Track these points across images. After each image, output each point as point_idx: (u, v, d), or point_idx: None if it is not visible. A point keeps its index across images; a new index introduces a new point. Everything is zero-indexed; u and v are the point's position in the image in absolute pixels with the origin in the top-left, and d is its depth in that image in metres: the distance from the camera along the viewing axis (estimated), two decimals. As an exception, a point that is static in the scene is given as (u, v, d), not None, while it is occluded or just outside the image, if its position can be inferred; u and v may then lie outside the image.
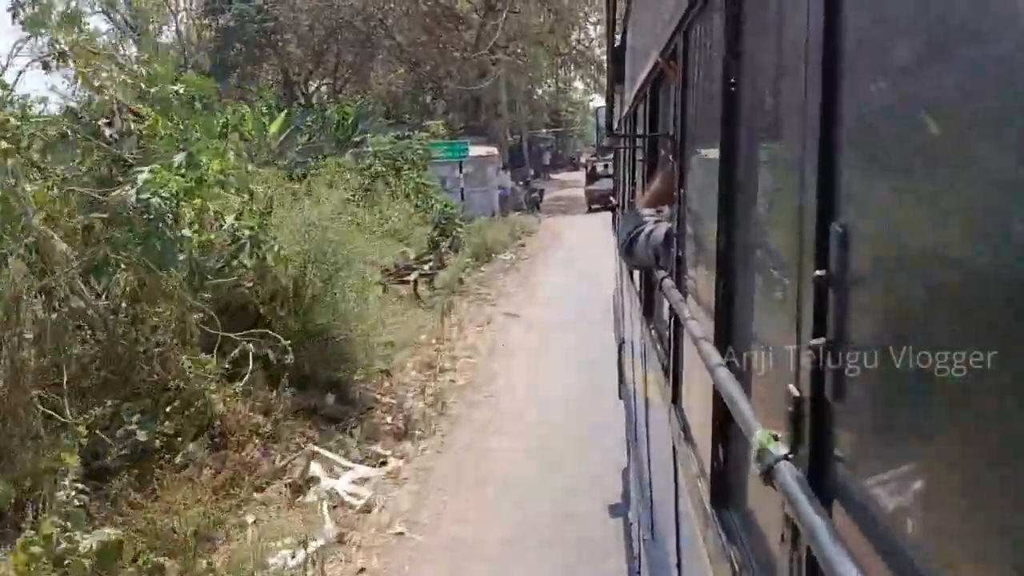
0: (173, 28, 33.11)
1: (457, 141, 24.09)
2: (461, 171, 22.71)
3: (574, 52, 34.59)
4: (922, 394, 0.81)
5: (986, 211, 0.69)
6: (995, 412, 0.68)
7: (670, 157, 2.67)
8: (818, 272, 1.00)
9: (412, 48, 29.41)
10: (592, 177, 30.72)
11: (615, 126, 5.53)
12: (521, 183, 28.55)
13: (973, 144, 0.70)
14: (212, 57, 26.97)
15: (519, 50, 31.21)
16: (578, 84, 47.85)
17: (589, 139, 71.11)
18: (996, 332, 0.67)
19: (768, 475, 1.06)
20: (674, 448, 2.15)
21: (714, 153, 1.65)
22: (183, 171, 5.79)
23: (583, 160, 46.97)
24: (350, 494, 6.01)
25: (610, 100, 5.12)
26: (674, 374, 2.23)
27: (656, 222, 2.62)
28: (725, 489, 1.56)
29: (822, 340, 1.00)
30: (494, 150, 24.99)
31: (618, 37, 4.91)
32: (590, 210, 29.73)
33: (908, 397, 0.85)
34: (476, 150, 24.50)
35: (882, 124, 0.91)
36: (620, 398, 6.36)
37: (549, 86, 50.03)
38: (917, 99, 0.82)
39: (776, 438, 1.08)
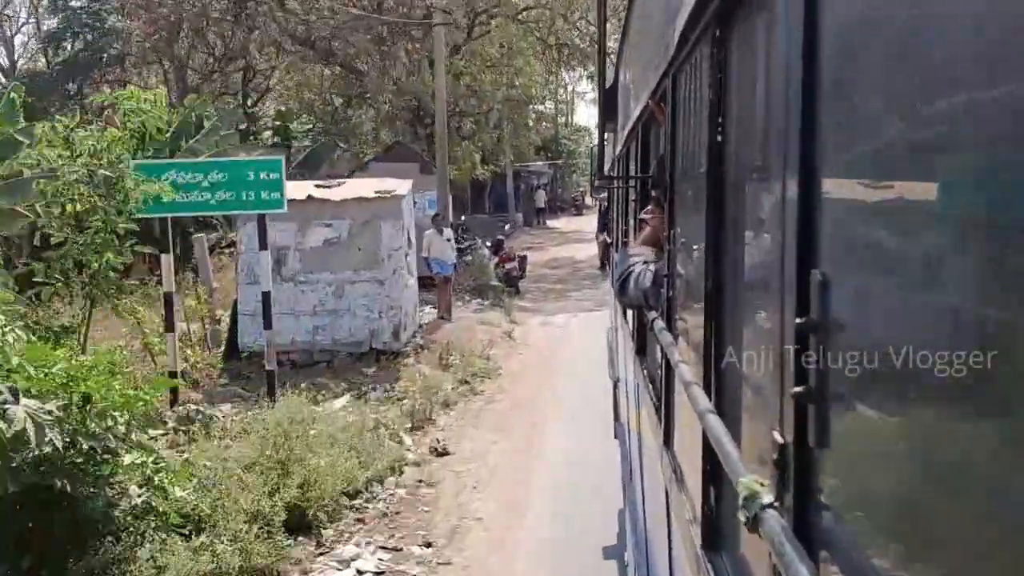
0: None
1: (259, 159, 10.94)
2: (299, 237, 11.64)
3: (569, 44, 27.90)
4: (903, 442, 0.87)
5: (964, 261, 0.75)
6: (981, 461, 0.71)
7: (662, 198, 2.77)
8: (798, 319, 1.07)
9: (343, 51, 25.59)
10: (604, 222, 28.46)
11: (607, 166, 5.62)
12: (489, 245, 22.99)
13: (952, 194, 0.75)
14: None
15: (492, 27, 24.92)
16: (580, 109, 41.18)
17: (590, 174, 64.20)
18: (979, 381, 0.71)
19: (754, 523, 1.11)
20: (666, 491, 2.24)
21: (702, 195, 1.76)
22: None
23: (590, 201, 42.00)
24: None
25: (601, 141, 5.35)
26: (666, 416, 2.32)
27: (646, 263, 2.78)
28: (716, 534, 1.62)
29: (803, 387, 1.06)
30: (403, 188, 12.64)
31: (610, 78, 4.94)
32: (603, 265, 28.00)
33: (890, 445, 0.90)
34: (360, 185, 12.68)
35: (861, 171, 0.98)
36: (615, 437, 6.59)
37: (542, 98, 41.83)
38: (895, 147, 0.89)
39: (762, 485, 1.13)
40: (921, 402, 0.82)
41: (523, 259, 22.24)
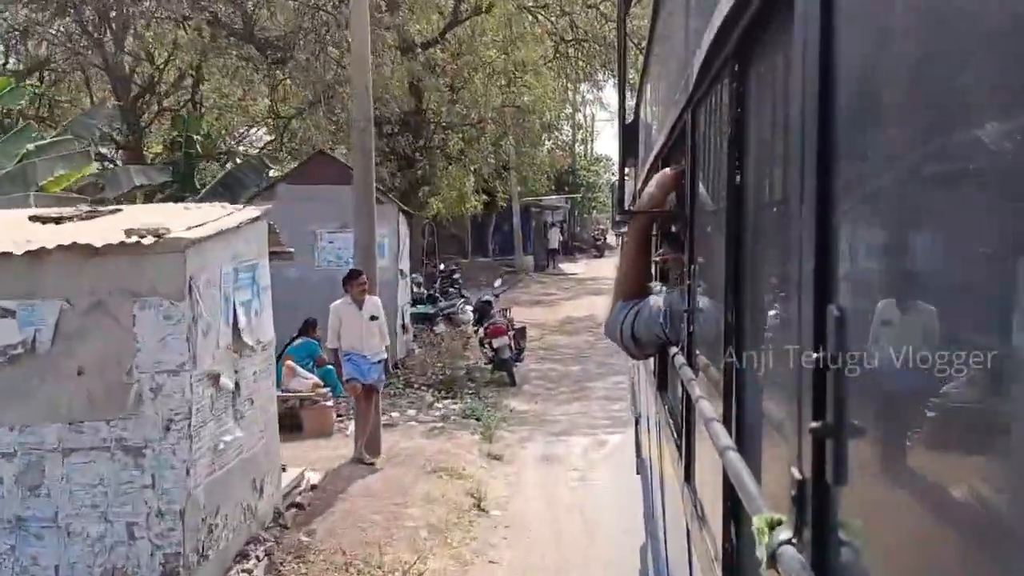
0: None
1: None
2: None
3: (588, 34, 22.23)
4: (923, 477, 0.87)
5: (982, 294, 0.76)
6: (1003, 500, 0.72)
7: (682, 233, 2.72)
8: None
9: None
10: None
11: (627, 203, 5.20)
12: (472, 308, 17.86)
13: (972, 229, 0.77)
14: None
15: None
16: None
17: (609, 212, 55.45)
18: (1001, 418, 0.73)
19: (772, 560, 1.11)
20: (687, 528, 2.26)
21: (721, 230, 1.80)
22: None
23: (613, 240, 37.73)
24: None
25: (622, 176, 5.10)
26: (687, 452, 2.35)
27: (641, 304, 2.80)
28: (738, 571, 1.61)
29: (820, 423, 1.06)
30: (231, 219, 6.17)
31: (630, 115, 5.22)
32: None
33: (909, 480, 0.91)
34: (127, 217, 6.35)
35: (880, 205, 1.00)
36: (637, 473, 6.79)
37: (556, 118, 34.75)
38: (914, 181, 0.91)
39: (780, 522, 1.14)
40: (940, 437, 0.84)
41: (520, 332, 15.91)
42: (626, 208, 5.12)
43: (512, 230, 33.60)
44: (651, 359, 4.09)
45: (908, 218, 0.93)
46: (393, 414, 11.38)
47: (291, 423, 10.09)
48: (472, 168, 20.36)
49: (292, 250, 7.97)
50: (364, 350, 9.01)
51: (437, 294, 18.09)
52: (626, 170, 5.77)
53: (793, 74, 1.28)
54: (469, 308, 16.15)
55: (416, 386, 12.61)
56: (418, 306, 16.77)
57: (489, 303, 15.82)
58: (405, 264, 13.86)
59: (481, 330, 14.95)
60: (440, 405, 12.36)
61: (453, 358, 13.63)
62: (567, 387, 14.31)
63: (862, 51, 1.05)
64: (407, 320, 14.22)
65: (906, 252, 0.94)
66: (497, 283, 17.59)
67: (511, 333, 14.22)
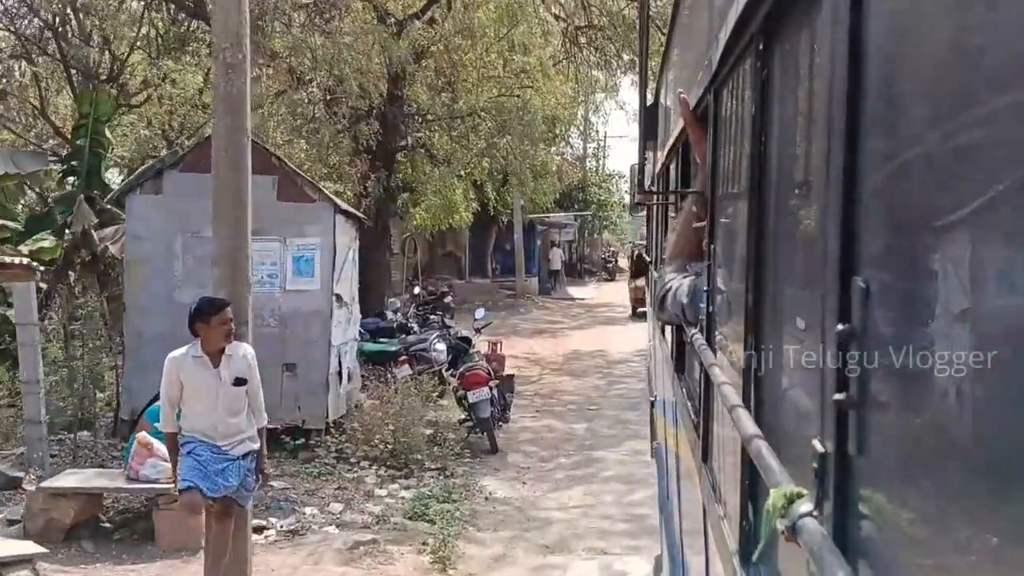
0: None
1: None
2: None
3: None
4: (946, 449, 0.91)
5: (1007, 268, 0.81)
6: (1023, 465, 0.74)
7: (692, 209, 2.95)
8: (840, 326, 1.11)
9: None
10: (640, 268, 23.38)
11: (647, 183, 5.94)
12: (442, 347, 14.07)
13: (997, 202, 0.81)
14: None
15: None
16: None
17: (621, 232, 51.81)
18: (1022, 387, 0.74)
19: (792, 531, 1.13)
20: (704, 506, 2.35)
21: (743, 209, 1.87)
22: None
23: (626, 263, 35.80)
24: None
25: (642, 157, 5.53)
26: (704, 431, 2.42)
27: (683, 278, 2.81)
28: (755, 547, 1.61)
29: (844, 395, 1.10)
30: None
31: (650, 96, 5.45)
32: (634, 313, 24.54)
33: (932, 452, 0.94)
34: None
35: (905, 179, 1.04)
36: (652, 457, 7.06)
37: (565, 126, 31.49)
38: (939, 155, 0.95)
39: (800, 495, 1.17)
40: (964, 409, 0.86)
41: (507, 381, 11.85)
42: (647, 188, 5.84)
43: (513, 248, 28.53)
44: (668, 341, 4.21)
45: (937, 191, 0.95)
46: (307, 510, 7.04)
47: (143, 530, 7.57)
48: (462, 172, 15.99)
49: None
50: (218, 437, 5.78)
51: (411, 323, 13.74)
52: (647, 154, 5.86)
53: (820, 51, 1.34)
54: (441, 346, 11.74)
55: (353, 460, 8.34)
56: (379, 341, 12.37)
57: (467, 341, 11.44)
58: (348, 287, 9.62)
59: (456, 377, 11.92)
60: (384, 492, 8.20)
61: (415, 415, 9.33)
62: (568, 458, 11.16)
63: (891, 24, 1.09)
64: (350, 364, 11.25)
65: (934, 226, 0.94)
66: (479, 313, 13.39)
67: (493, 384, 11.38)
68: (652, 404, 6.93)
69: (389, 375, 12.15)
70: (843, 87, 1.13)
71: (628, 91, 32.88)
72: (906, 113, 1.03)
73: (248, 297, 5.78)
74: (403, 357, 12.66)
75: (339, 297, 10.08)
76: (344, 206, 10.78)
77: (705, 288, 2.45)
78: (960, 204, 0.86)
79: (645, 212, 9.74)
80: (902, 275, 1.03)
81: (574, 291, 35.09)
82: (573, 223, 39.11)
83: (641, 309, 23.05)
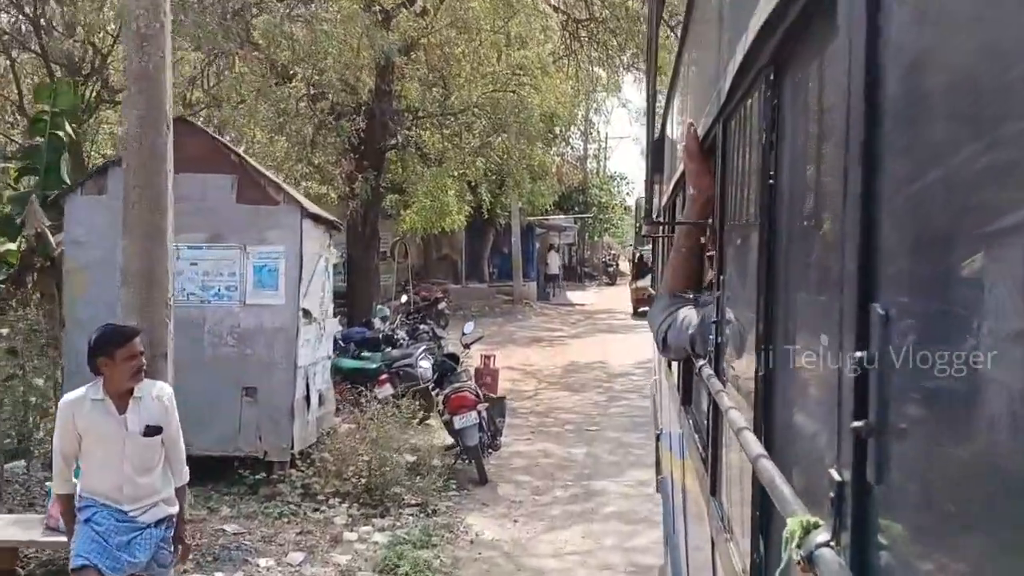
0: None
1: None
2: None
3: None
4: (968, 478, 0.91)
5: None
6: None
7: (683, 246, 3.13)
8: (858, 353, 1.13)
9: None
10: (640, 271, 25.39)
11: (655, 215, 5.95)
12: (428, 363, 12.48)
13: (1016, 227, 0.82)
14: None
15: None
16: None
17: (622, 235, 50.89)
18: None
19: (809, 562, 1.14)
20: (713, 541, 2.33)
21: (753, 240, 1.90)
22: None
23: (627, 267, 36.33)
24: None
25: (649, 189, 5.61)
26: (713, 465, 2.42)
27: (680, 308, 2.88)
28: None
29: (863, 422, 1.11)
30: None
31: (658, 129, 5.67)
32: (636, 313, 25.40)
33: (954, 481, 0.95)
34: None
35: (924, 205, 1.06)
36: (657, 491, 7.08)
37: (566, 126, 30.74)
38: (958, 182, 0.96)
39: (817, 525, 1.18)
40: (985, 437, 0.86)
41: (497, 404, 10.70)
42: (654, 219, 5.78)
43: (511, 252, 27.68)
44: (674, 374, 4.27)
45: (955, 217, 0.96)
46: (261, 562, 5.85)
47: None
48: (455, 172, 14.79)
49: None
50: (124, 501, 4.65)
51: (398, 333, 12.58)
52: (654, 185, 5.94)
53: (833, 81, 1.36)
54: (426, 363, 10.55)
55: (322, 498, 7.07)
56: (361, 356, 11.22)
57: (454, 359, 10.20)
58: (319, 301, 8.45)
59: (441, 399, 10.50)
60: (354, 535, 8.13)
61: (394, 443, 8.09)
62: (565, 490, 10.09)
63: (905, 58, 1.11)
64: (322, 386, 10.10)
65: (953, 251, 0.96)
66: (468, 328, 12.15)
67: (482, 408, 10.23)
68: (658, 438, 6.89)
69: (369, 395, 10.95)
70: (858, 117, 1.15)
71: (631, 88, 31.92)
72: (920, 141, 1.04)
73: (168, 323, 4.69)
74: (384, 375, 11.44)
75: (307, 312, 8.93)
76: (314, 209, 9.62)
77: (714, 319, 2.49)
78: (979, 230, 0.88)
79: (651, 245, 9.87)
80: (921, 301, 1.05)
81: (574, 296, 34.50)
82: (573, 226, 38.45)
83: (642, 309, 24.50)
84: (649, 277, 25.68)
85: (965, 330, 0.89)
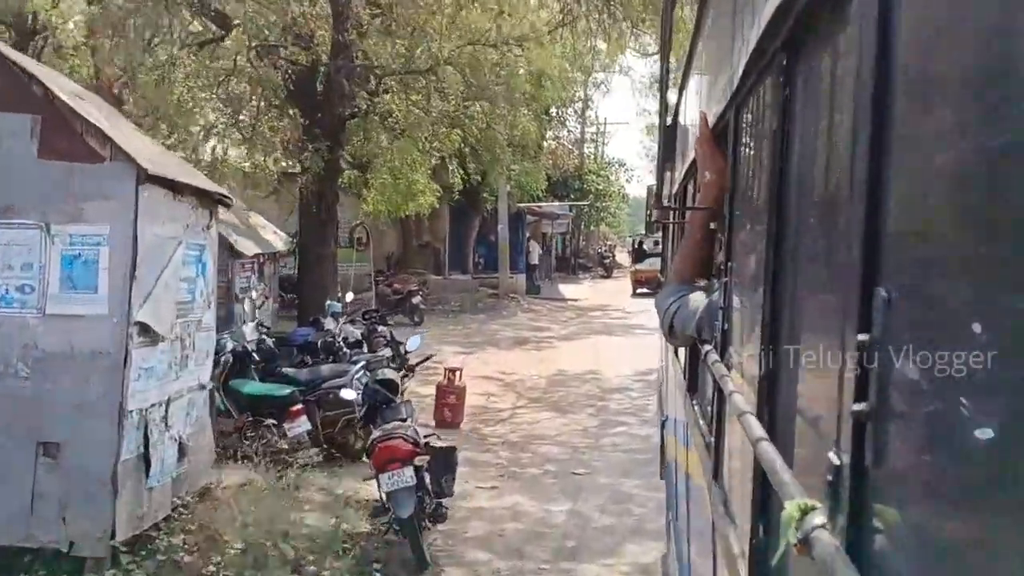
0: None
1: None
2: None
3: None
4: (967, 463, 0.93)
5: None
6: None
7: (696, 234, 3.17)
8: (860, 336, 1.14)
9: None
10: (639, 256, 28.23)
11: (665, 201, 6.00)
12: (366, 391, 8.46)
13: (1019, 212, 0.88)
14: None
15: None
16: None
17: (619, 225, 48.12)
18: None
19: (805, 544, 1.14)
20: (714, 525, 2.35)
21: (761, 227, 1.94)
22: None
23: (625, 258, 36.88)
24: None
25: (660, 175, 5.37)
26: (716, 449, 2.43)
27: (687, 294, 2.91)
28: (765, 566, 1.66)
29: (864, 405, 1.12)
30: None
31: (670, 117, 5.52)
32: (635, 293, 26.90)
33: (952, 465, 0.97)
34: None
35: (929, 189, 1.08)
36: (661, 478, 7.10)
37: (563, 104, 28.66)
38: (963, 166, 0.98)
39: (813, 508, 1.18)
40: (984, 422, 0.85)
41: (444, 456, 7.26)
42: (664, 204, 5.72)
43: (496, 240, 24.82)
44: (680, 360, 4.35)
45: (960, 207, 0.98)
46: None
47: None
48: (424, 145, 11.70)
49: None
50: None
51: (338, 341, 9.42)
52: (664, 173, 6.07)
53: (845, 68, 1.37)
54: (350, 392, 7.20)
55: None
56: (277, 373, 7.84)
57: (389, 386, 6.75)
58: (170, 308, 5.18)
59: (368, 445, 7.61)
60: None
61: (291, 511, 4.93)
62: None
63: (917, 44, 1.13)
64: (182, 433, 7.00)
65: (958, 236, 0.98)
66: (412, 342, 9.00)
67: (421, 462, 6.98)
68: (663, 424, 7.13)
69: (276, 433, 7.84)
70: (868, 103, 1.18)
71: (632, 59, 29.10)
72: (931, 128, 1.07)
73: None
74: (297, 406, 8.27)
75: (145, 328, 5.76)
76: (166, 170, 6.37)
77: (721, 305, 2.58)
78: (984, 216, 0.91)
79: (660, 231, 9.97)
80: (924, 285, 1.06)
81: (566, 289, 32.83)
82: (568, 214, 35.14)
83: (641, 290, 26.83)
84: (647, 261, 25.65)
85: (968, 316, 0.90)
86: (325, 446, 9.18)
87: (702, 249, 3.12)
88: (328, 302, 14.95)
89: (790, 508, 1.14)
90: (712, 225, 3.04)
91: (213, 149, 13.90)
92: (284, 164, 15.29)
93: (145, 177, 5.92)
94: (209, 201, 7.48)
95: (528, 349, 19.42)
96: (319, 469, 9.19)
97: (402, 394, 9.23)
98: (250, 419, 8.81)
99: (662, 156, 5.61)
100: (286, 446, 8.45)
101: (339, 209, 17.34)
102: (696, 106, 4.04)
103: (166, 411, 6.58)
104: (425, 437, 7.95)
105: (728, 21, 2.60)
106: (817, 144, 1.62)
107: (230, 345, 10.66)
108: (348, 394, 9.07)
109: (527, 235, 32.17)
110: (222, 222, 15.16)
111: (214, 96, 13.56)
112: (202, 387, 7.50)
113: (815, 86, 1.65)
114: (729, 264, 2.46)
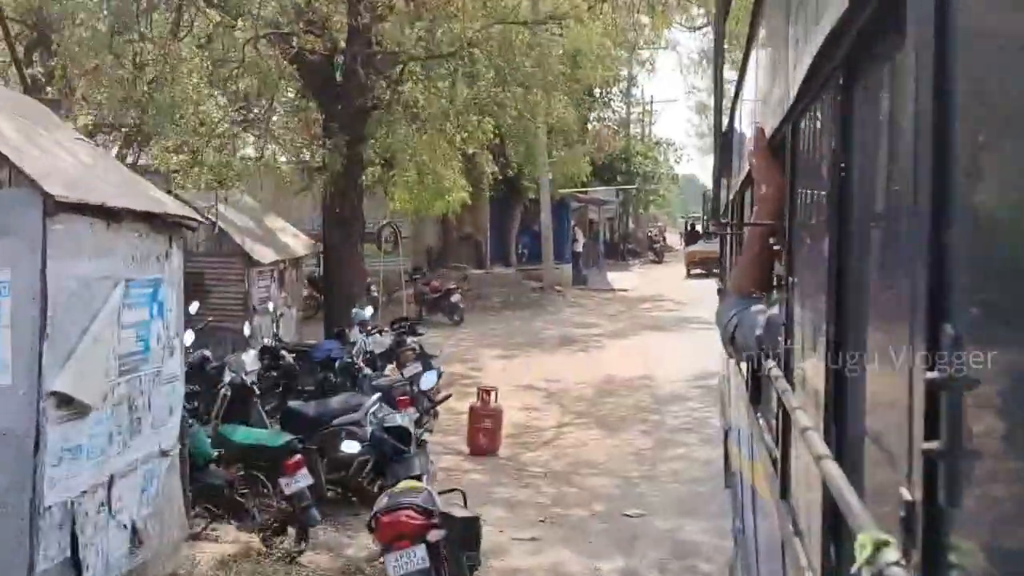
0: None
1: None
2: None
3: None
4: None
5: None
6: None
7: (755, 247, 3.20)
8: (929, 375, 1.12)
9: None
10: (692, 237, 27.06)
11: (721, 211, 5.83)
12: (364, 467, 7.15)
13: None
14: None
15: None
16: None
17: (670, 206, 46.45)
18: None
19: None
20: (783, 545, 2.36)
21: (823, 242, 1.92)
22: None
23: (676, 240, 36.76)
24: None
25: (716, 186, 5.16)
26: (783, 467, 2.41)
27: (748, 308, 2.91)
28: None
29: (935, 444, 1.10)
30: None
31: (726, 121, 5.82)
32: (689, 274, 27.85)
33: None
34: None
35: (997, 220, 1.07)
36: (727, 487, 7.10)
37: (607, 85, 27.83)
38: None
39: (887, 543, 1.17)
40: None
41: (462, 527, 5.35)
42: (721, 220, 5.68)
43: (540, 230, 23.54)
44: (743, 369, 4.34)
45: None
46: None
47: None
48: (452, 137, 10.38)
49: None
50: None
51: (357, 360, 8.05)
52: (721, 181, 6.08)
53: (903, 87, 1.37)
54: (353, 446, 5.71)
55: None
56: (290, 411, 6.79)
57: (399, 434, 5.27)
58: (100, 368, 4.70)
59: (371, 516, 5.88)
60: None
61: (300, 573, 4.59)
62: None
63: (978, 60, 1.12)
64: (134, 518, 5.53)
65: None
66: (427, 380, 7.43)
67: (437, 538, 5.36)
68: (726, 433, 7.15)
69: (272, 491, 6.57)
70: (929, 114, 1.16)
71: (679, 33, 27.42)
72: (991, 149, 1.07)
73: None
74: (295, 457, 6.93)
75: (66, 399, 4.43)
76: (86, 197, 5.15)
77: (783, 321, 2.65)
78: None
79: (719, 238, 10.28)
80: (995, 322, 1.04)
81: (615, 278, 31.71)
82: (615, 199, 33.36)
83: (695, 271, 27.79)
84: (701, 243, 25.12)
85: None
86: (332, 493, 7.90)
87: (762, 262, 3.14)
88: (355, 310, 13.77)
89: (863, 540, 1.14)
90: (772, 240, 3.04)
91: (219, 148, 12.14)
92: (309, 159, 14.15)
93: (55, 205, 4.64)
94: (165, 225, 6.12)
95: (574, 350, 18.22)
96: (326, 522, 7.96)
97: (418, 441, 7.79)
98: (241, 473, 7.25)
99: (718, 165, 5.27)
100: (284, 505, 7.26)
101: (369, 207, 16.08)
102: (752, 113, 4.08)
103: (108, 494, 5.26)
104: (442, 493, 6.55)
105: (782, 35, 2.61)
106: (876, 163, 1.63)
107: (227, 377, 9.55)
108: (351, 447, 7.72)
109: (572, 223, 31.29)
110: (235, 227, 13.96)
111: (220, 93, 12.48)
112: (164, 454, 6.09)
113: (874, 105, 1.64)
114: (791, 279, 2.51)
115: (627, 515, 8.62)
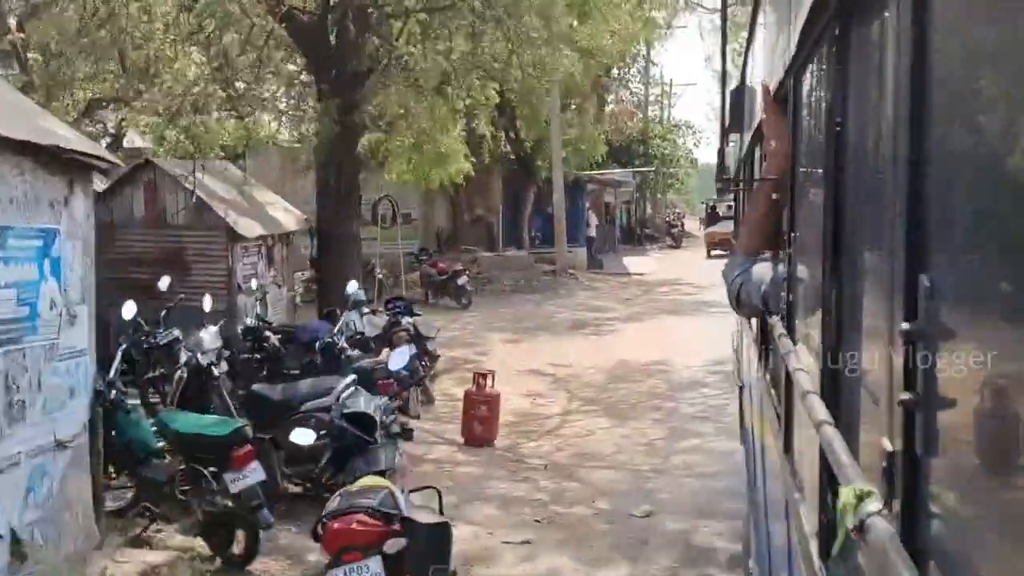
0: None
1: None
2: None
3: None
4: (1016, 448, 0.96)
5: None
6: None
7: (760, 206, 3.22)
8: (905, 325, 1.15)
9: None
10: (713, 219, 28.42)
11: (728, 170, 6.05)
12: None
13: None
14: None
15: None
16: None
17: (688, 191, 45.23)
18: None
19: (860, 530, 1.19)
20: (786, 499, 2.44)
21: (821, 197, 1.98)
22: None
23: (696, 226, 36.21)
24: None
25: (723, 144, 5.31)
26: (786, 423, 2.49)
27: (753, 265, 2.92)
28: (833, 542, 1.87)
29: (911, 394, 1.15)
30: None
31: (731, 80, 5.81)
32: (710, 255, 27.29)
33: (1002, 451, 1.00)
34: None
35: (976, 174, 1.09)
36: (741, 443, 7.11)
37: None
38: (1014, 149, 0.96)
39: (869, 493, 1.23)
40: None
41: (428, 534, 4.32)
42: (727, 177, 5.63)
43: (553, 211, 22.60)
44: (753, 327, 4.43)
45: (1009, 187, 0.97)
46: None
47: None
48: (455, 101, 9.30)
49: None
50: None
51: (340, 343, 6.93)
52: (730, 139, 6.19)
53: (897, 38, 1.37)
54: (306, 435, 4.56)
55: None
56: (254, 396, 5.84)
57: (364, 423, 4.13)
58: None
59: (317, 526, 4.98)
60: None
61: None
62: None
63: (965, 13, 1.14)
64: None
65: (1005, 221, 0.97)
66: (397, 358, 6.11)
67: (391, 549, 4.38)
68: (740, 391, 7.21)
69: (216, 486, 5.59)
70: (919, 73, 1.18)
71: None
72: (984, 98, 1.07)
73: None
74: (243, 448, 5.85)
75: None
76: None
77: (785, 276, 2.72)
78: None
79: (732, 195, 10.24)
80: (971, 273, 1.08)
81: (631, 262, 30.65)
82: (631, 181, 32.18)
83: (715, 252, 27.04)
84: (721, 224, 25.36)
85: (1016, 304, 0.92)
86: (298, 488, 6.96)
87: (768, 220, 3.13)
88: (349, 291, 12.74)
89: (846, 494, 1.18)
90: (774, 195, 3.12)
91: (195, 114, 11.20)
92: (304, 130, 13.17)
93: None
94: (63, 165, 4.93)
95: (586, 334, 17.28)
96: (286, 523, 6.94)
97: (387, 430, 6.59)
98: (182, 467, 6.14)
99: (724, 123, 5.27)
100: (230, 504, 6.21)
101: (369, 181, 14.98)
102: (761, 68, 4.15)
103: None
104: (414, 491, 5.36)
105: None
106: (872, 115, 1.63)
107: (183, 357, 8.74)
108: (303, 436, 6.56)
109: (587, 205, 30.21)
110: (218, 198, 12.87)
111: (195, 49, 11.46)
112: (61, 445, 5.00)
113: (867, 57, 1.68)
114: (792, 235, 2.51)
115: (634, 515, 7.65)
